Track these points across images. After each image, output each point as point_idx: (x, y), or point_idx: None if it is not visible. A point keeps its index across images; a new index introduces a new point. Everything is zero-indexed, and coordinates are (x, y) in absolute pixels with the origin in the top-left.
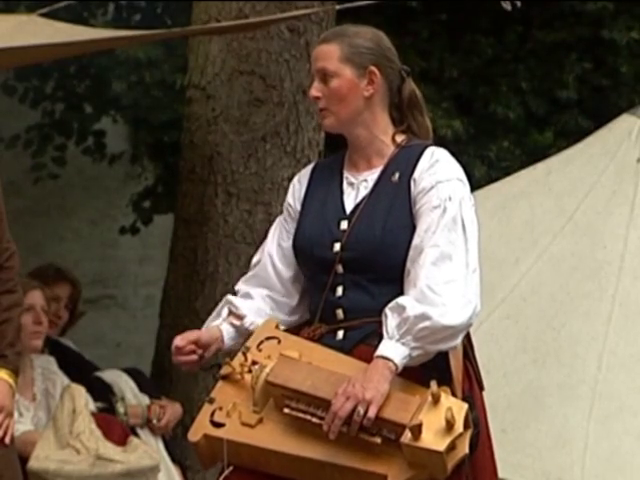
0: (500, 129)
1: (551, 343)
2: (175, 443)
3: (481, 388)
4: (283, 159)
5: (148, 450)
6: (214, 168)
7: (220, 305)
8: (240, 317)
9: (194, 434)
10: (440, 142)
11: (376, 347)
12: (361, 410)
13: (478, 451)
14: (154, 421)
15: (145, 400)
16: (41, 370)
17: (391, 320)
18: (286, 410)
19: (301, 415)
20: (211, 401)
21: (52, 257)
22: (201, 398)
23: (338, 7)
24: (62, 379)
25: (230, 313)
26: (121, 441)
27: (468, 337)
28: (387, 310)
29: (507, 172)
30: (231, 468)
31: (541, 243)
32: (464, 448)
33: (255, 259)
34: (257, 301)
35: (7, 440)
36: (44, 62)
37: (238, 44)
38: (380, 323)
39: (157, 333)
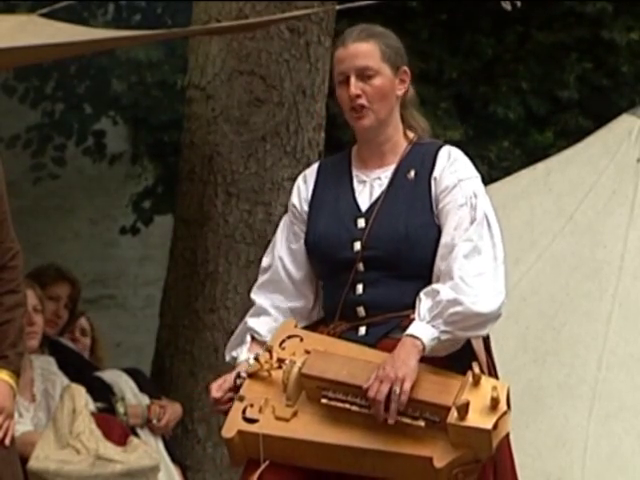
0: (500, 129)
1: (551, 343)
2: (175, 443)
3: (496, 378)
4: (283, 159)
5: (148, 450)
6: (214, 168)
7: (241, 329)
8: (261, 343)
9: (228, 431)
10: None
11: (399, 340)
12: (397, 389)
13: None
14: (154, 421)
15: (145, 400)
16: (40, 370)
17: (424, 303)
18: (324, 401)
19: (340, 405)
20: (241, 399)
21: (52, 257)
22: (201, 398)
23: (338, 7)
24: (62, 379)
25: (254, 339)
26: (121, 441)
27: None
28: (422, 294)
29: (507, 172)
30: (267, 462)
31: (541, 243)
32: (506, 427)
33: (265, 263)
34: (274, 317)
35: (7, 441)
36: (44, 62)
37: (238, 44)
38: (403, 317)
39: (157, 333)
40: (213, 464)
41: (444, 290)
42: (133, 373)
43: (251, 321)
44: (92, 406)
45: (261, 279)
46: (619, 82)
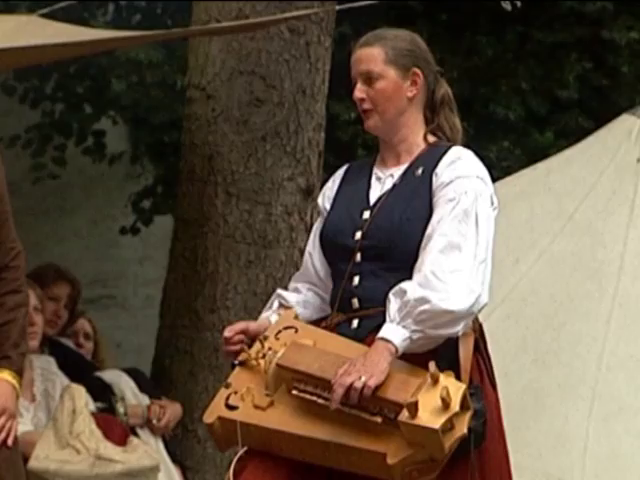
0: (500, 129)
1: (551, 343)
2: (175, 443)
3: (493, 385)
4: (283, 159)
5: (148, 450)
6: (214, 168)
7: (272, 298)
8: (288, 308)
9: (209, 416)
10: None
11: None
12: (362, 379)
13: (489, 447)
14: (154, 421)
15: (145, 400)
16: (41, 371)
17: (393, 304)
18: (294, 392)
19: (308, 396)
20: (227, 386)
21: (52, 257)
22: (201, 398)
23: (338, 7)
24: (62, 379)
25: (280, 305)
26: (121, 441)
27: (481, 332)
28: (390, 294)
29: (507, 172)
30: (245, 448)
31: (541, 243)
32: (462, 428)
33: (303, 259)
34: (304, 294)
35: (10, 442)
36: (44, 62)
37: (238, 44)
38: None
39: (157, 333)
40: (213, 464)
41: (411, 288)
42: (133, 373)
43: (280, 290)
44: (92, 406)
45: (297, 273)
46: (619, 82)
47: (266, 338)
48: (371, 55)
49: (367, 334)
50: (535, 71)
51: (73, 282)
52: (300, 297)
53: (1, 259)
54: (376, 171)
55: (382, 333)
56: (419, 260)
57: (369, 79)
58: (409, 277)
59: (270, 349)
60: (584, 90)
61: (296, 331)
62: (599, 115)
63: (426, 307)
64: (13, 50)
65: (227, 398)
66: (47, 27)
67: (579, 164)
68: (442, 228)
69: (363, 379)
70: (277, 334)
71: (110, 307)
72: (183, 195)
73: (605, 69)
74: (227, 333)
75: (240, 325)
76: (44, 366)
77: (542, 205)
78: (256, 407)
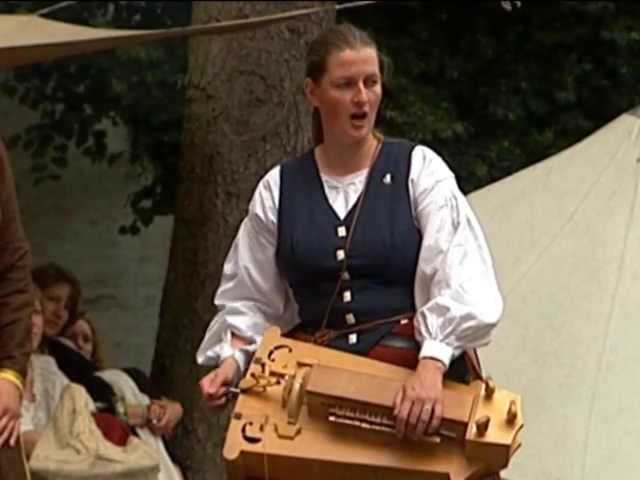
0: (500, 129)
1: (551, 343)
2: (175, 443)
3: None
4: (283, 159)
5: (148, 450)
6: (214, 168)
7: (217, 327)
8: (250, 341)
9: (230, 452)
10: (441, 142)
11: (392, 348)
12: (429, 409)
13: None
14: (154, 421)
15: (145, 400)
16: (40, 371)
17: (432, 320)
18: (332, 418)
19: (349, 422)
20: (238, 416)
21: (52, 257)
22: (201, 398)
23: (338, 7)
24: (62, 379)
25: (234, 336)
26: (121, 441)
27: None
28: (425, 311)
29: (507, 172)
30: None
31: (541, 243)
32: (518, 439)
33: (228, 270)
34: (250, 316)
35: (12, 442)
36: (44, 62)
37: (238, 44)
38: (393, 323)
39: (157, 333)
40: (213, 464)
41: (453, 305)
42: (133, 373)
43: (229, 318)
44: (92, 406)
45: (225, 286)
46: (619, 82)
47: (261, 360)
48: (373, 57)
49: (369, 348)
50: (535, 71)
51: (73, 282)
52: (249, 320)
53: (8, 258)
54: (327, 178)
55: (429, 352)
56: (439, 274)
57: (370, 82)
58: (403, 289)
59: (274, 374)
60: (584, 90)
61: (290, 350)
62: (599, 115)
63: (472, 323)
64: (13, 50)
65: (243, 430)
66: (47, 27)
67: (579, 164)
68: (455, 239)
69: (429, 410)
70: (270, 355)
71: (110, 307)
72: (183, 195)
73: (605, 69)
74: (211, 390)
75: (220, 378)
76: (44, 366)
77: (542, 205)
78: (282, 437)
